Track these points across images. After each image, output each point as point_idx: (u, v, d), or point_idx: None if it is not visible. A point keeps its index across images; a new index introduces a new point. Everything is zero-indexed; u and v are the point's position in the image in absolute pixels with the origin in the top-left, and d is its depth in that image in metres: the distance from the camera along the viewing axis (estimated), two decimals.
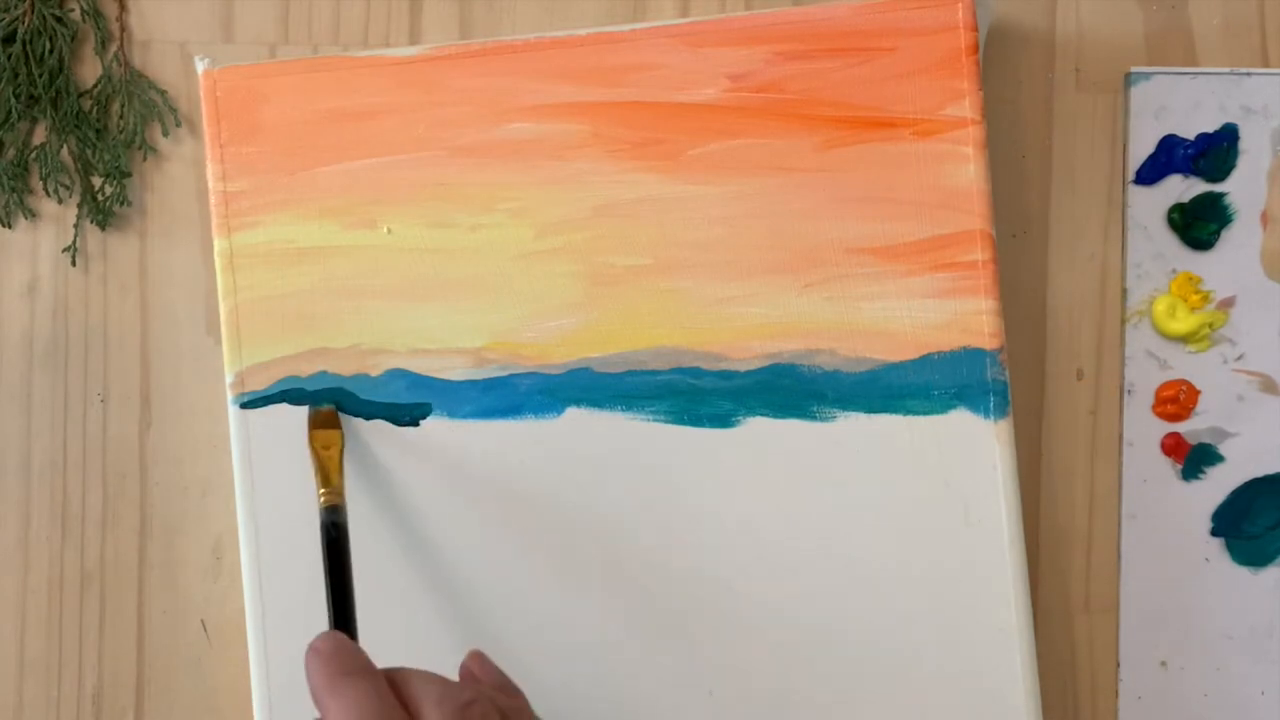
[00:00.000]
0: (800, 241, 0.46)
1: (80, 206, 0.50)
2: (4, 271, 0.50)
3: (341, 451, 0.45)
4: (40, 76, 0.50)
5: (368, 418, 0.46)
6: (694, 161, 0.46)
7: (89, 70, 0.51)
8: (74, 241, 0.50)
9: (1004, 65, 0.50)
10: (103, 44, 0.51)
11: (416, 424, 0.46)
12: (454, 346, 0.47)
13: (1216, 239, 0.49)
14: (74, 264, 0.50)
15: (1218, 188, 0.49)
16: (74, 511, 0.50)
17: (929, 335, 0.45)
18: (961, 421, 0.45)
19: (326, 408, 0.46)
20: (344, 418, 0.46)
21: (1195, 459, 0.49)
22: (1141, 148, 0.49)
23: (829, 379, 0.46)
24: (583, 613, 0.46)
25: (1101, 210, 0.50)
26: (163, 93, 0.50)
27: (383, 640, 0.46)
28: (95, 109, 0.50)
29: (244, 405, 0.46)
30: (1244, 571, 0.49)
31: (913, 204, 0.46)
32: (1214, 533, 0.49)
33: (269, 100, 0.47)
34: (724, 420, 0.46)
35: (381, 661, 0.36)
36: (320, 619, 0.46)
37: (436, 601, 0.46)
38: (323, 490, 0.42)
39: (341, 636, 0.36)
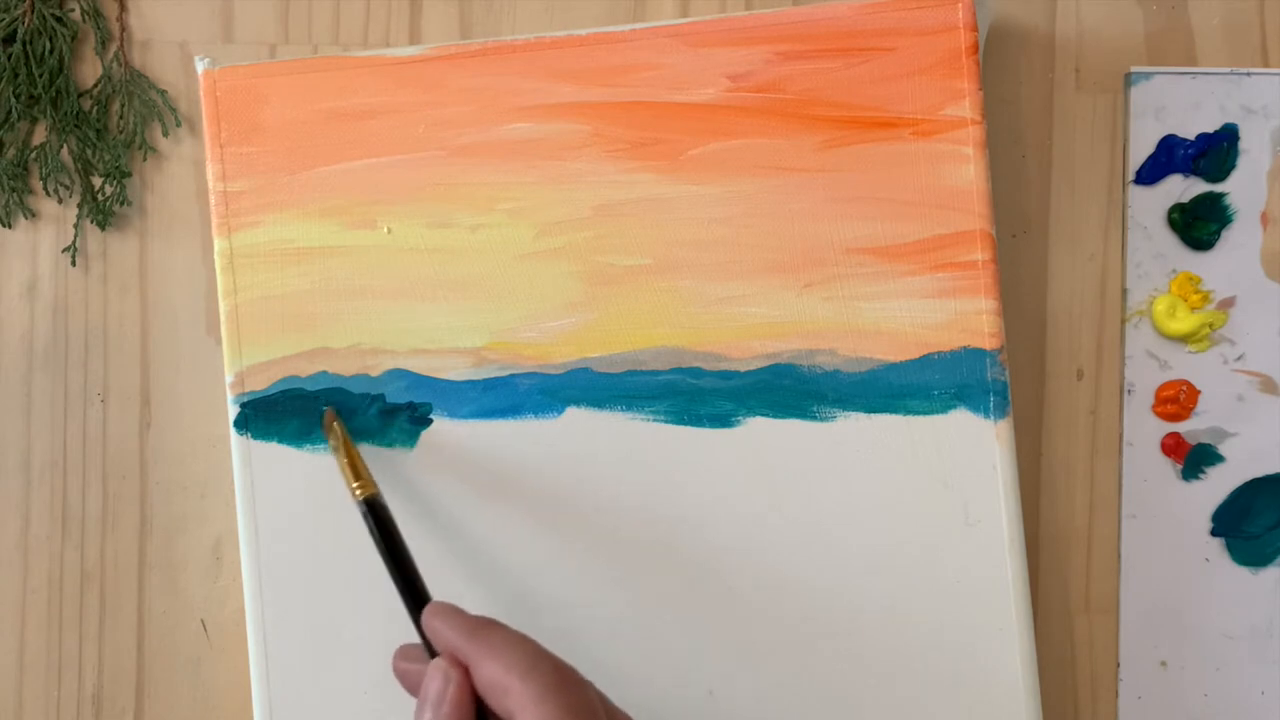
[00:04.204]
0: (800, 241, 0.46)
1: (80, 206, 0.50)
2: (4, 271, 0.50)
3: (352, 445, 0.44)
4: (40, 76, 0.50)
5: (368, 417, 0.46)
6: (694, 161, 0.46)
7: (89, 70, 0.51)
8: (74, 241, 0.50)
9: (1004, 65, 0.50)
10: (103, 44, 0.51)
11: (428, 423, 0.46)
12: (454, 346, 0.47)
13: (1216, 239, 0.49)
14: (74, 264, 0.50)
15: (1218, 188, 0.49)
16: (74, 511, 0.50)
17: (929, 335, 0.45)
18: (961, 421, 0.45)
19: (327, 410, 0.46)
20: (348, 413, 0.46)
21: (1195, 459, 0.49)
22: (1141, 148, 0.49)
23: (829, 379, 0.46)
24: (582, 612, 0.46)
25: (1101, 210, 0.50)
26: (163, 93, 0.50)
27: (380, 639, 0.46)
28: (95, 109, 0.50)
29: (244, 405, 0.46)
30: (1244, 571, 0.49)
31: (913, 204, 0.46)
32: (1214, 533, 0.49)
33: (269, 100, 0.47)
34: (724, 420, 0.46)
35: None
36: (320, 618, 0.46)
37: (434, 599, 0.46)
38: (356, 484, 0.42)
39: (451, 604, 0.38)
